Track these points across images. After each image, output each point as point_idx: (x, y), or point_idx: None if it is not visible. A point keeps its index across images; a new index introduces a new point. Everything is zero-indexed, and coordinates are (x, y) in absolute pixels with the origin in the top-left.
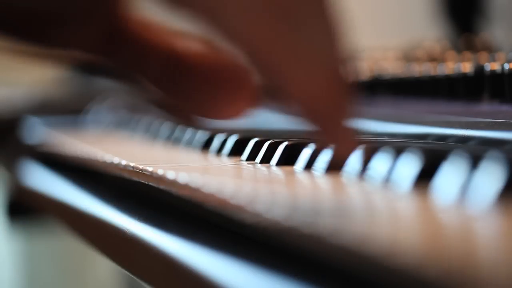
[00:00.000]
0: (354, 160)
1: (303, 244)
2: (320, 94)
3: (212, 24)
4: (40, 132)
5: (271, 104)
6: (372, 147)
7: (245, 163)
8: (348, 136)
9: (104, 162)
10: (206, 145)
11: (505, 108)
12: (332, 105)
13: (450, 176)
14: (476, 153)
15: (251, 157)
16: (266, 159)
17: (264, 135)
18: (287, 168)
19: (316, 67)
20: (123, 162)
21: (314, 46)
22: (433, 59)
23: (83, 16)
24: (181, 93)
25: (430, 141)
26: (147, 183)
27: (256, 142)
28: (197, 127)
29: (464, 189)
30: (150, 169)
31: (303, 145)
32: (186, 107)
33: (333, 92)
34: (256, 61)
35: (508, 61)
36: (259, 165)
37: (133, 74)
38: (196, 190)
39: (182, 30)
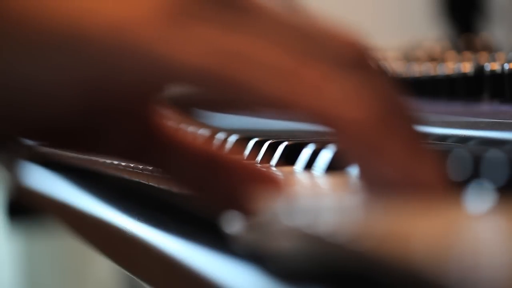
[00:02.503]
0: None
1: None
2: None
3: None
4: None
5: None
6: None
7: (259, 165)
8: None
9: (104, 162)
10: None
11: (505, 108)
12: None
13: (449, 176)
14: (476, 153)
15: (251, 157)
16: (266, 159)
17: (264, 135)
18: (287, 168)
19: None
20: (123, 162)
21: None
22: (433, 59)
23: (116, 129)
24: (212, 193)
25: (430, 141)
26: (147, 183)
27: (256, 142)
28: (198, 126)
29: (464, 189)
30: (150, 169)
31: (303, 145)
32: (214, 203)
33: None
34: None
35: (508, 61)
36: (259, 165)
37: (164, 173)
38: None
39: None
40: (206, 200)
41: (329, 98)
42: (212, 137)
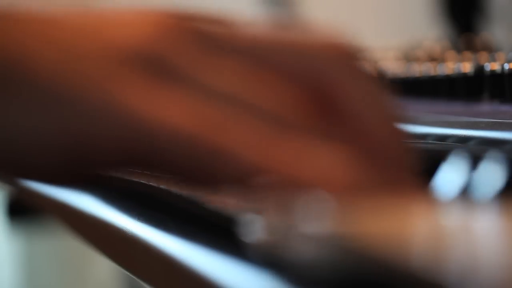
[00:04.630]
0: None
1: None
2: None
3: None
4: None
5: None
6: None
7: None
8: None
9: None
10: None
11: (505, 108)
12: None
13: (450, 176)
14: (476, 153)
15: None
16: None
17: None
18: None
19: None
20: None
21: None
22: (433, 59)
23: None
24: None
25: (430, 141)
26: (147, 183)
27: None
28: None
29: (464, 189)
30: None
31: None
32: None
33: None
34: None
35: (508, 61)
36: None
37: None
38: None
39: None
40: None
41: (307, 171)
42: None
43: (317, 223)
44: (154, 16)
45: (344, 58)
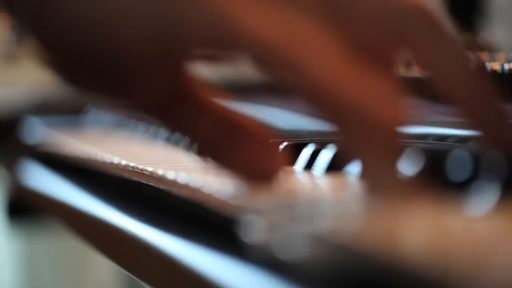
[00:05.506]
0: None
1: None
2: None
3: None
4: (40, 132)
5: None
6: None
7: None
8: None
9: (104, 162)
10: None
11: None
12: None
13: (450, 176)
14: (476, 153)
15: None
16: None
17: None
18: (287, 168)
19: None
20: (123, 162)
21: None
22: None
23: (151, 72)
24: (227, 156)
25: (430, 141)
26: (147, 183)
27: None
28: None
29: (464, 189)
30: (150, 169)
31: (303, 145)
32: (228, 168)
33: None
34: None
35: (508, 61)
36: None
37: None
38: (196, 190)
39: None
40: (220, 166)
41: (371, 98)
42: None
43: (315, 223)
44: None
45: (427, 15)
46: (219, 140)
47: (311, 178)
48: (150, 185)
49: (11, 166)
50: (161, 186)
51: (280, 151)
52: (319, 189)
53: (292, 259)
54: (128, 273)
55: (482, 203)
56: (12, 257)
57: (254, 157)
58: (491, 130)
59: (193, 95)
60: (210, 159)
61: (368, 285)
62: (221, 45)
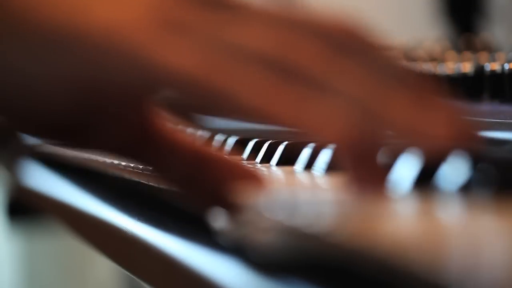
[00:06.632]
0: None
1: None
2: None
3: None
4: None
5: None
6: None
7: (245, 163)
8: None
9: (104, 162)
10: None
11: (505, 108)
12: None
13: (450, 176)
14: (476, 153)
15: (251, 157)
16: (266, 159)
17: (264, 135)
18: (287, 168)
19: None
20: (123, 162)
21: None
22: (433, 59)
23: (110, 126)
24: (199, 190)
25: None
26: (147, 183)
27: (256, 142)
28: (197, 127)
29: (464, 189)
30: (150, 169)
31: (303, 145)
32: (201, 200)
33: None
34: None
35: (508, 61)
36: (259, 165)
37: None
38: None
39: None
40: (193, 197)
41: (306, 116)
42: (210, 138)
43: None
44: None
45: (354, 32)
46: (187, 174)
47: (311, 178)
48: (150, 185)
49: (11, 166)
50: (161, 186)
51: (256, 173)
52: (318, 188)
53: (292, 261)
54: (128, 273)
55: (481, 202)
56: (12, 257)
57: (226, 187)
58: (448, 131)
59: (161, 135)
60: (181, 191)
61: (346, 275)
62: (152, 88)
